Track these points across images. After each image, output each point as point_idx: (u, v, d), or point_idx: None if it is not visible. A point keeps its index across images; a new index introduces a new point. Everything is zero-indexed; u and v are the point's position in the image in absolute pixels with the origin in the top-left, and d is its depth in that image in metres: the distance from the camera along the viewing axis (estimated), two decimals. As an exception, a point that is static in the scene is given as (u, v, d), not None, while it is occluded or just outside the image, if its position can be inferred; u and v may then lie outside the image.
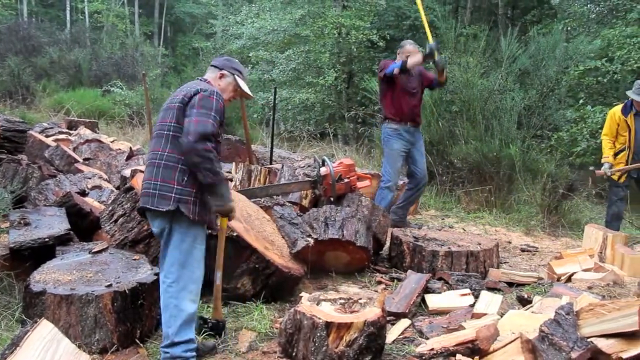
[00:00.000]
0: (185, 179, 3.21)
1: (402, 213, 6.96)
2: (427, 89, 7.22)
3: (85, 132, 10.13)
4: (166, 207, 3.17)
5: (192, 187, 3.21)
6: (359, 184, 6.24)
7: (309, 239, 4.87)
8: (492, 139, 9.43)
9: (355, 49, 18.22)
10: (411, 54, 6.58)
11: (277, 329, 3.88)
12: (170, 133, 3.24)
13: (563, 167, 9.17)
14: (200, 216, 3.24)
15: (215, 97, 3.27)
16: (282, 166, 7.25)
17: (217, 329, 3.79)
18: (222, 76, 3.53)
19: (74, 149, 8.83)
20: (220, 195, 3.27)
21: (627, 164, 6.83)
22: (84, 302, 3.46)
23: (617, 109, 6.92)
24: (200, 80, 3.50)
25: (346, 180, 6.01)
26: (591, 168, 6.89)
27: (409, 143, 6.77)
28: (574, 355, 2.87)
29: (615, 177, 6.93)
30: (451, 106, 10.55)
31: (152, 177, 3.25)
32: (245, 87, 3.59)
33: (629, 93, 6.73)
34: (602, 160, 6.95)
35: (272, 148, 9.18)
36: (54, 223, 4.93)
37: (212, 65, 3.60)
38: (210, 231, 3.56)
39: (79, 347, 3.28)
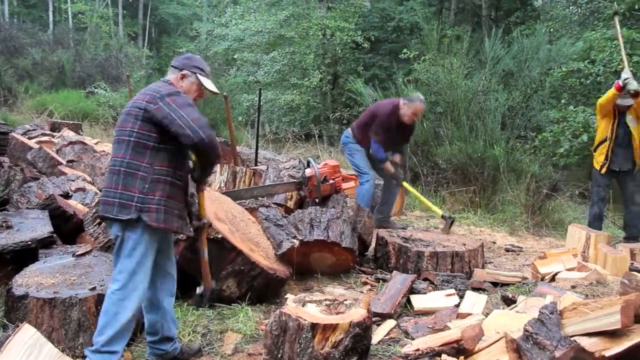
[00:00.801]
0: (147, 186, 3.10)
1: (385, 211, 6.98)
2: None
3: (68, 134, 10.04)
4: (127, 216, 3.06)
5: (154, 195, 3.11)
6: (344, 185, 6.25)
7: (295, 241, 4.87)
8: (476, 139, 9.49)
9: (340, 50, 18.25)
10: (418, 111, 6.80)
11: (262, 330, 3.87)
12: (132, 139, 3.11)
13: (547, 168, 9.25)
14: (165, 223, 3.13)
15: (182, 94, 3.22)
16: (267, 168, 7.25)
17: (206, 295, 3.88)
18: (183, 77, 3.37)
19: (57, 151, 8.75)
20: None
21: (607, 157, 6.89)
22: (67, 305, 3.43)
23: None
24: (163, 81, 3.36)
25: (331, 181, 6.01)
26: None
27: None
28: (557, 354, 2.88)
29: (597, 166, 7.01)
30: (435, 107, 10.61)
31: (112, 184, 3.13)
32: (209, 85, 3.44)
33: (618, 102, 6.77)
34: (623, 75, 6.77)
35: (257, 149, 9.17)
36: (37, 226, 4.88)
37: (172, 66, 3.44)
38: (180, 236, 3.52)
39: (62, 351, 3.25)
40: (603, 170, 6.96)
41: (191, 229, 3.48)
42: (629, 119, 6.83)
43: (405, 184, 7.25)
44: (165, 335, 3.44)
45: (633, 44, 10.25)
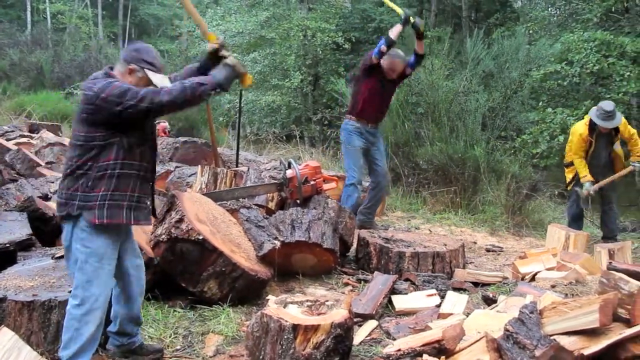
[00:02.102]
0: (90, 184, 3.00)
1: (368, 213, 6.98)
2: (408, 75, 7.09)
3: (47, 136, 9.94)
4: (72, 212, 3.01)
5: (98, 191, 3.00)
6: (325, 186, 6.25)
7: (276, 242, 4.85)
8: (457, 140, 9.54)
9: (320, 51, 18.26)
10: (394, 67, 6.67)
11: (244, 332, 3.86)
12: (79, 142, 3.04)
13: (526, 168, 9.34)
14: (110, 219, 3.02)
15: (117, 82, 3.02)
16: (248, 169, 7.22)
17: None
18: (131, 71, 3.14)
19: (36, 153, 8.67)
20: (224, 78, 3.16)
21: (573, 178, 7.00)
22: (46, 308, 3.38)
23: (581, 126, 6.94)
24: (104, 74, 3.13)
25: (312, 182, 6.01)
26: (576, 189, 6.96)
27: (368, 142, 6.80)
28: (537, 353, 2.91)
29: (566, 178, 7.13)
30: (416, 108, 10.65)
31: (62, 186, 3.10)
32: (158, 80, 3.16)
33: (592, 116, 6.74)
34: (582, 180, 6.87)
35: (238, 151, 9.13)
36: (15, 228, 4.83)
37: (120, 58, 3.21)
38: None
39: (42, 354, 3.21)
40: (569, 188, 7.10)
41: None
42: (616, 145, 6.92)
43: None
44: (123, 330, 3.42)
45: (609, 47, 10.37)
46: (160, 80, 3.16)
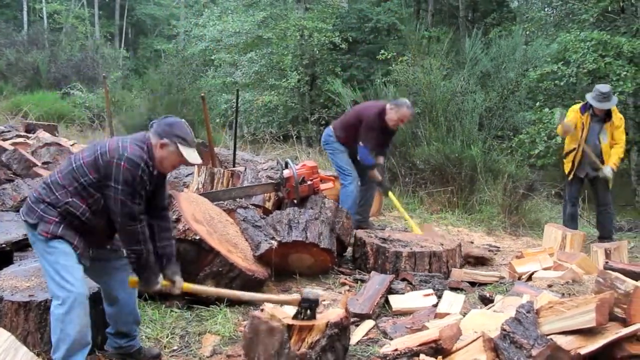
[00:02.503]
0: (58, 204, 3.07)
1: (362, 212, 6.96)
2: None
3: (44, 136, 9.90)
4: (29, 219, 3.09)
5: (59, 216, 3.07)
6: (322, 186, 6.25)
7: (273, 242, 4.85)
8: (454, 140, 9.55)
9: (317, 51, 18.26)
10: (404, 118, 6.59)
11: (241, 332, 3.86)
12: (73, 166, 3.11)
13: (523, 168, 9.35)
14: (62, 236, 3.07)
15: (138, 171, 3.07)
16: (245, 169, 7.21)
17: None
18: (163, 146, 3.17)
19: (33, 153, 8.63)
20: (145, 281, 3.22)
21: (573, 165, 6.91)
22: (43, 308, 3.37)
23: (577, 106, 6.98)
24: (141, 143, 3.18)
25: (309, 182, 6.01)
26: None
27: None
28: (534, 352, 2.91)
29: (565, 172, 7.09)
30: (414, 108, 10.65)
31: (38, 187, 3.17)
32: (189, 156, 3.21)
33: (588, 97, 6.74)
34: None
35: (235, 151, 9.13)
36: (12, 228, 4.82)
37: (152, 130, 3.23)
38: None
39: (38, 355, 3.21)
40: (570, 177, 7.02)
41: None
42: (603, 136, 6.80)
43: (390, 194, 7.04)
44: (120, 330, 3.41)
45: (606, 46, 10.39)
46: (190, 154, 3.22)
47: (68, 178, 3.10)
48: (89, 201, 3.09)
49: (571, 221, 7.10)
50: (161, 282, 3.27)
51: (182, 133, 3.21)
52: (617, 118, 6.81)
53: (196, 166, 6.92)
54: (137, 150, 3.10)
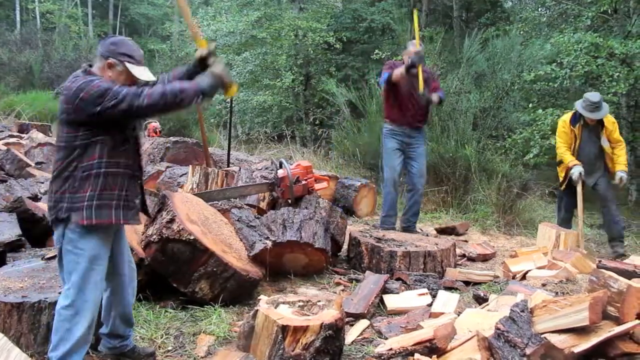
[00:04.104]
0: (76, 185, 2.97)
1: (406, 219, 6.88)
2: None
3: (37, 136, 9.89)
4: (60, 215, 2.98)
5: (85, 192, 2.96)
6: (317, 186, 6.25)
7: (267, 242, 4.85)
8: (448, 140, 9.57)
9: (312, 51, 18.26)
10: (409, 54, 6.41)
11: (235, 332, 3.85)
12: (62, 144, 3.01)
13: (517, 167, 9.37)
14: (98, 218, 2.97)
15: (97, 81, 2.93)
16: (240, 169, 7.21)
17: None
18: (110, 65, 3.05)
19: (26, 153, 8.62)
20: (209, 87, 3.05)
21: (566, 176, 6.68)
22: (36, 309, 3.36)
23: (567, 117, 6.77)
24: (83, 71, 3.05)
25: (304, 182, 6.01)
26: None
27: (403, 143, 6.69)
28: (528, 351, 2.92)
29: (560, 177, 6.87)
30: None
31: (50, 189, 3.08)
32: (140, 73, 3.09)
33: (578, 107, 6.56)
34: (570, 164, 6.61)
35: (229, 151, 9.12)
36: (5, 229, 4.80)
37: (98, 53, 3.09)
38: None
39: (31, 356, 3.20)
40: (562, 187, 6.86)
41: None
42: (603, 140, 6.60)
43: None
44: (114, 331, 3.40)
45: (598, 48, 10.43)
46: (141, 72, 3.10)
47: (64, 153, 2.99)
48: (97, 151, 2.99)
49: (564, 224, 6.96)
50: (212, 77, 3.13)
51: (128, 50, 3.10)
52: (610, 122, 6.61)
53: (190, 166, 6.92)
54: (82, 79, 2.97)
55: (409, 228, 6.81)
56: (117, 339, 3.42)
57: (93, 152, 2.98)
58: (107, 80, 2.98)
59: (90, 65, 3.13)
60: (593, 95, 6.51)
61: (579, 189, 6.53)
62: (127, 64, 3.06)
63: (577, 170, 6.50)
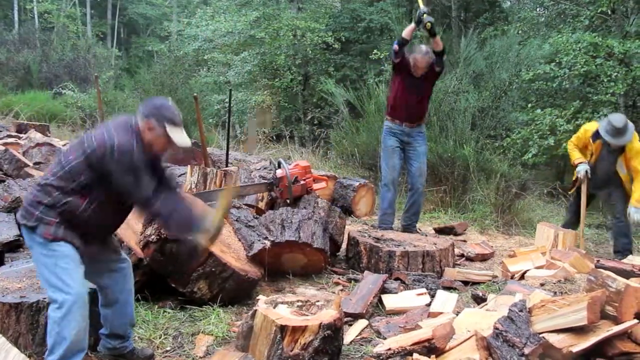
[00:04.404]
0: (57, 206, 3.00)
1: (407, 217, 6.87)
2: (436, 80, 6.93)
3: (35, 136, 9.86)
4: (28, 223, 3.01)
5: (58, 216, 3.00)
6: (315, 186, 6.25)
7: (266, 242, 4.85)
8: (446, 139, 9.57)
9: (310, 51, 18.24)
10: (418, 63, 6.38)
11: (234, 332, 3.86)
12: (67, 167, 3.03)
13: (516, 167, 9.38)
14: (64, 237, 3.01)
15: (128, 154, 2.99)
16: (238, 169, 7.21)
17: None
18: (150, 129, 3.11)
19: (24, 153, 8.60)
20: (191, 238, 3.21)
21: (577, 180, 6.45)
22: (34, 310, 3.36)
23: (591, 128, 6.34)
24: (128, 127, 3.11)
25: (302, 182, 6.01)
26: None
27: (402, 142, 6.68)
28: (526, 350, 2.93)
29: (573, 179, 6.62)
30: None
31: (32, 190, 3.12)
32: (178, 138, 3.14)
33: (601, 130, 6.08)
34: (576, 162, 6.40)
35: (227, 150, 9.13)
36: (3, 229, 4.81)
37: (140, 112, 3.16)
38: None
39: (30, 356, 3.20)
40: (571, 191, 6.67)
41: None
42: (619, 164, 6.20)
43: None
44: (114, 332, 3.40)
45: (596, 48, 10.45)
46: (180, 137, 3.16)
47: (64, 179, 3.03)
48: (89, 198, 3.04)
49: (570, 225, 6.83)
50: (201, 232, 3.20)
51: (170, 114, 3.14)
52: (631, 149, 6.06)
53: (189, 166, 6.92)
54: (124, 136, 3.03)
55: (409, 227, 6.81)
56: (117, 339, 3.41)
57: (85, 196, 3.04)
58: (133, 160, 3.00)
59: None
60: (617, 120, 6.01)
61: (584, 188, 6.40)
62: (168, 128, 3.11)
63: (582, 168, 6.34)
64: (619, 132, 5.94)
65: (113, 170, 2.98)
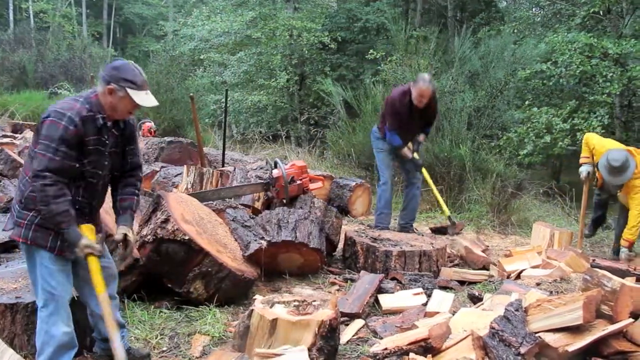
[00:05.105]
0: (24, 201, 2.95)
1: (406, 217, 6.90)
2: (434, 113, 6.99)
3: (30, 136, 9.85)
4: (8, 229, 3.00)
5: (29, 211, 2.94)
6: (312, 186, 6.26)
7: (262, 242, 4.85)
8: (442, 139, 9.58)
9: (306, 51, 18.25)
10: (421, 93, 6.33)
11: (230, 332, 3.85)
12: (31, 154, 2.97)
13: (512, 167, 9.40)
14: (34, 241, 2.94)
15: (63, 121, 2.86)
16: (235, 169, 7.20)
17: None
18: (111, 91, 2.99)
19: (19, 153, 8.58)
20: (67, 237, 2.91)
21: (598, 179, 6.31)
22: (30, 310, 3.34)
23: (592, 138, 6.35)
24: (86, 94, 3.05)
25: (298, 182, 6.01)
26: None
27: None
28: (522, 350, 2.93)
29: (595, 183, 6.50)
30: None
31: (14, 197, 3.10)
32: (141, 100, 3.02)
33: (600, 168, 5.93)
34: (581, 161, 6.39)
35: (224, 150, 9.12)
36: (-2, 229, 4.77)
37: (100, 77, 3.05)
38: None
39: (25, 357, 3.20)
40: (597, 184, 6.44)
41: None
42: (621, 196, 6.12)
43: (424, 171, 6.91)
44: (105, 336, 3.29)
45: (592, 48, 10.48)
46: (143, 98, 3.05)
47: (28, 166, 2.98)
48: None
49: (593, 224, 6.83)
50: (82, 243, 2.95)
51: (130, 76, 3.02)
52: (628, 186, 5.89)
53: (185, 166, 6.91)
54: (67, 103, 2.97)
55: (406, 226, 6.82)
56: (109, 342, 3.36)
57: None
58: (64, 129, 2.87)
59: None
60: (617, 156, 5.78)
61: (585, 188, 6.45)
62: (129, 90, 3.00)
63: (584, 170, 6.35)
64: (617, 170, 5.76)
65: (41, 132, 2.89)
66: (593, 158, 6.30)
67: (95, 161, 3.02)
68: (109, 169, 3.15)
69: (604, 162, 5.83)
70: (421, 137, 6.85)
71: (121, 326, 3.40)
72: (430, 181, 7.02)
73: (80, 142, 2.92)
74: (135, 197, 3.32)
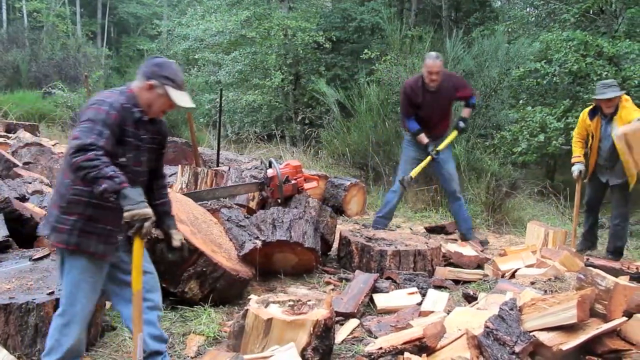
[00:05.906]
0: (64, 205, 2.84)
1: (459, 227, 6.95)
2: (454, 99, 7.01)
3: (24, 136, 9.80)
4: (45, 233, 2.92)
5: (71, 215, 2.83)
6: (306, 186, 6.26)
7: (257, 241, 4.85)
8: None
9: (301, 51, 18.23)
10: (429, 69, 6.30)
11: (225, 332, 3.85)
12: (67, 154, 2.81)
13: (506, 166, 9.41)
14: (77, 246, 2.84)
15: (104, 107, 2.80)
16: (229, 168, 7.20)
17: None
18: (150, 87, 2.95)
19: (13, 153, 8.54)
20: (124, 198, 2.64)
21: (590, 166, 6.32)
22: (24, 311, 3.34)
23: (587, 111, 6.31)
24: (121, 88, 3.01)
25: (293, 181, 6.01)
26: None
27: (425, 153, 6.60)
28: (517, 349, 2.94)
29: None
30: (397, 107, 10.69)
31: (49, 202, 3.03)
32: (179, 99, 2.99)
33: (595, 97, 6.04)
34: (572, 160, 6.40)
35: (218, 150, 9.12)
36: (-9, 230, 4.76)
37: (139, 72, 3.01)
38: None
39: (19, 358, 3.19)
40: (586, 180, 6.45)
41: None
42: (615, 129, 5.82)
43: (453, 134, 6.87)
44: (152, 350, 3.18)
45: (587, 47, 10.51)
46: (180, 98, 3.01)
47: (66, 168, 2.86)
48: None
49: (587, 235, 6.68)
50: (143, 206, 2.70)
51: (171, 74, 2.99)
52: (623, 109, 5.88)
53: (180, 166, 6.90)
54: (106, 94, 2.93)
55: (465, 237, 6.77)
56: (154, 356, 3.21)
57: None
58: (106, 113, 2.79)
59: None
60: (606, 80, 6.19)
61: (578, 187, 6.42)
62: (168, 88, 2.96)
63: (576, 169, 6.34)
64: (606, 85, 5.95)
65: (83, 113, 2.82)
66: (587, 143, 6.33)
67: (133, 157, 2.95)
68: (147, 166, 3.09)
69: (596, 89, 6.09)
70: (465, 112, 6.87)
71: (163, 341, 3.26)
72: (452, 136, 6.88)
73: (121, 130, 2.85)
74: (169, 199, 3.34)
